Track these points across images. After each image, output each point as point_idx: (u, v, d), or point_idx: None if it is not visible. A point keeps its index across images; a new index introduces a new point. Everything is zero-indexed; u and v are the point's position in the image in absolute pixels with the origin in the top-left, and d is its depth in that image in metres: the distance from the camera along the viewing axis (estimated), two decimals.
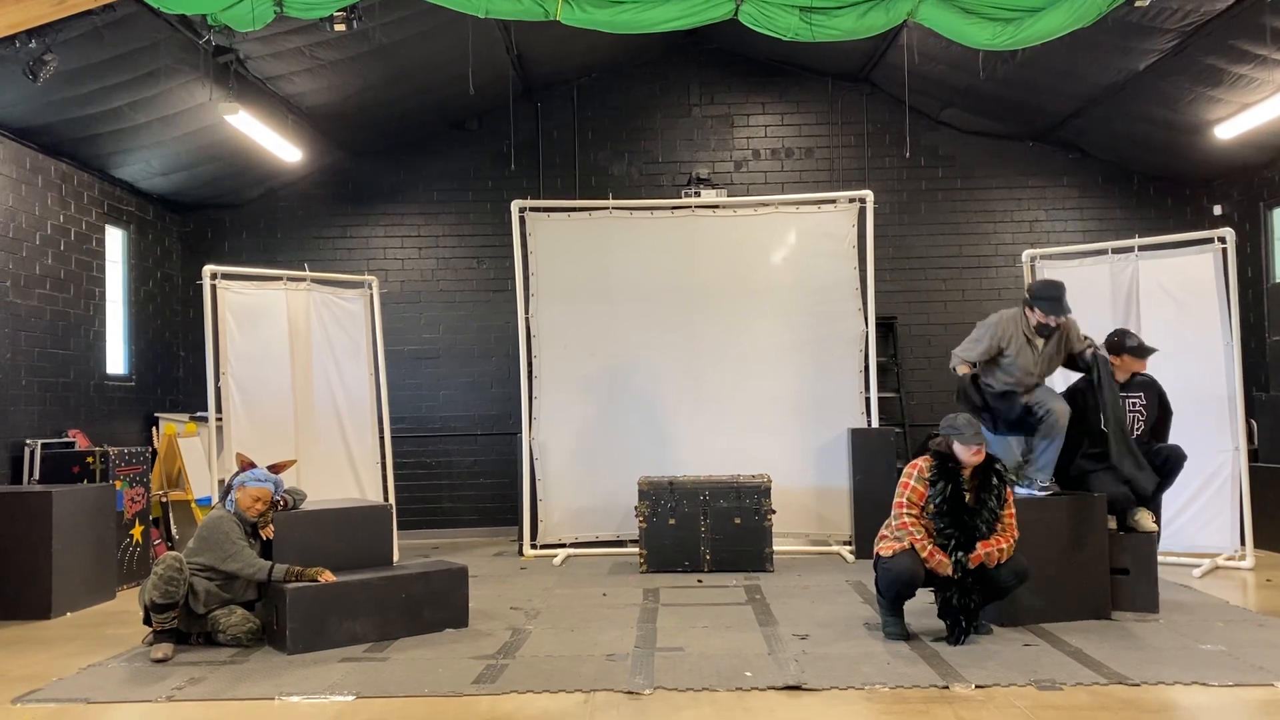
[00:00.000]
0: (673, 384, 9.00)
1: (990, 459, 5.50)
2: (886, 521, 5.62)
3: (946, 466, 5.43)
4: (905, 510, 5.44)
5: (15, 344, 7.80)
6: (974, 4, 6.16)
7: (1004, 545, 5.39)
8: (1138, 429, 6.31)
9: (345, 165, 10.44)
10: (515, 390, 9.18)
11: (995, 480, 5.46)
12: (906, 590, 5.45)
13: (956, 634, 5.36)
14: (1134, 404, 6.34)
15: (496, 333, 10.32)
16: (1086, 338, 6.23)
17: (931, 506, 5.40)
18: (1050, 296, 6.02)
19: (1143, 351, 6.37)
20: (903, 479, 5.53)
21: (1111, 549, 5.94)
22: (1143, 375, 6.44)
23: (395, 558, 6.53)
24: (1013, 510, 5.51)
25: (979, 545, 5.34)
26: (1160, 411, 6.38)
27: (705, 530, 7.84)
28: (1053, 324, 6.06)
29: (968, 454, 5.38)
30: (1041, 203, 10.45)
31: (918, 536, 5.37)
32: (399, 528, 7.96)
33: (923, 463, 5.50)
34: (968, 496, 5.42)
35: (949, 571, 5.34)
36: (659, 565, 7.85)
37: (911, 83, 8.96)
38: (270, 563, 5.61)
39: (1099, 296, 8.23)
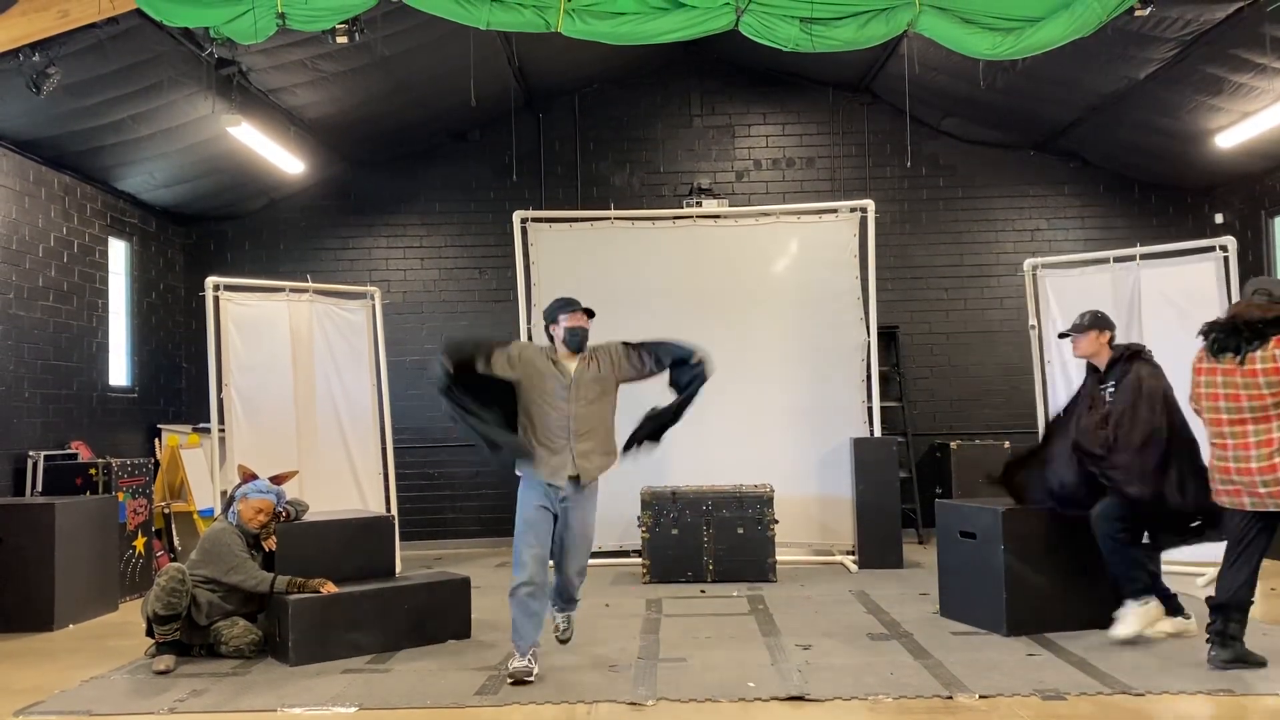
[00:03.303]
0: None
1: None
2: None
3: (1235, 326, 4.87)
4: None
5: (19, 356, 7.82)
6: (974, 14, 6.17)
7: None
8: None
9: (347, 176, 10.47)
10: None
11: None
12: None
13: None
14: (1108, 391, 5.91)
15: None
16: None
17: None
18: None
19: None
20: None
21: None
22: (1126, 354, 6.03)
23: (398, 569, 6.52)
24: None
25: None
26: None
27: (708, 540, 7.83)
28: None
29: None
30: (1043, 211, 10.45)
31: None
32: (401, 538, 7.94)
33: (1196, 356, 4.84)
34: None
35: None
36: (662, 575, 7.84)
37: (912, 92, 8.97)
38: (272, 574, 5.61)
39: (1101, 305, 8.17)
